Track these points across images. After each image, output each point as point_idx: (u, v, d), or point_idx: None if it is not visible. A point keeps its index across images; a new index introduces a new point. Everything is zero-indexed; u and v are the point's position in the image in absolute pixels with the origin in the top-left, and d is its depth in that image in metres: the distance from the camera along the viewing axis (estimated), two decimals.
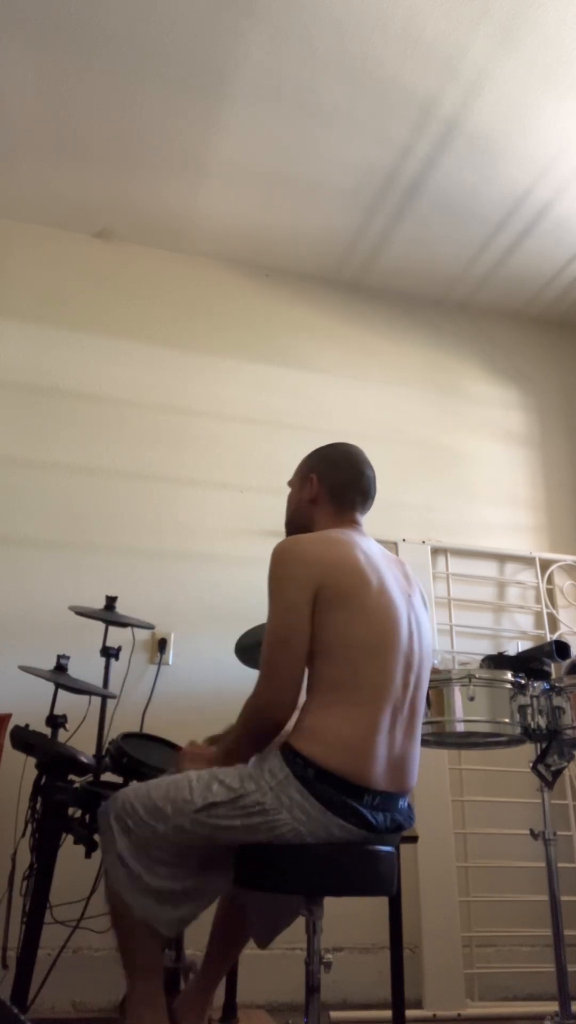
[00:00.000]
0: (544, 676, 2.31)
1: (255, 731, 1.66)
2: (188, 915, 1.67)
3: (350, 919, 2.64)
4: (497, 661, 2.39)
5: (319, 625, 1.64)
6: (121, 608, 2.37)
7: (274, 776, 1.57)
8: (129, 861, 1.61)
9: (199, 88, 2.77)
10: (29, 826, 2.02)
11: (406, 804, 1.69)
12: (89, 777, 2.06)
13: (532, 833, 2.29)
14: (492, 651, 2.71)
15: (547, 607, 3.48)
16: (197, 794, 1.59)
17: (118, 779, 2.05)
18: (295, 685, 1.62)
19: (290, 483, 2.01)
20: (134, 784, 1.72)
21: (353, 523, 1.88)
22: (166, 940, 1.71)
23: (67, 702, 2.26)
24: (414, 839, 2.26)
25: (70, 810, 2.00)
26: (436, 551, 3.45)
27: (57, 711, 2.18)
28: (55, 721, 2.16)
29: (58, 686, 2.20)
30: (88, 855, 1.98)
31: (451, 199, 3.25)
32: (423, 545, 3.39)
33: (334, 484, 1.90)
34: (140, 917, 1.60)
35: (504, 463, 3.74)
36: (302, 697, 1.66)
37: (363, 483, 1.91)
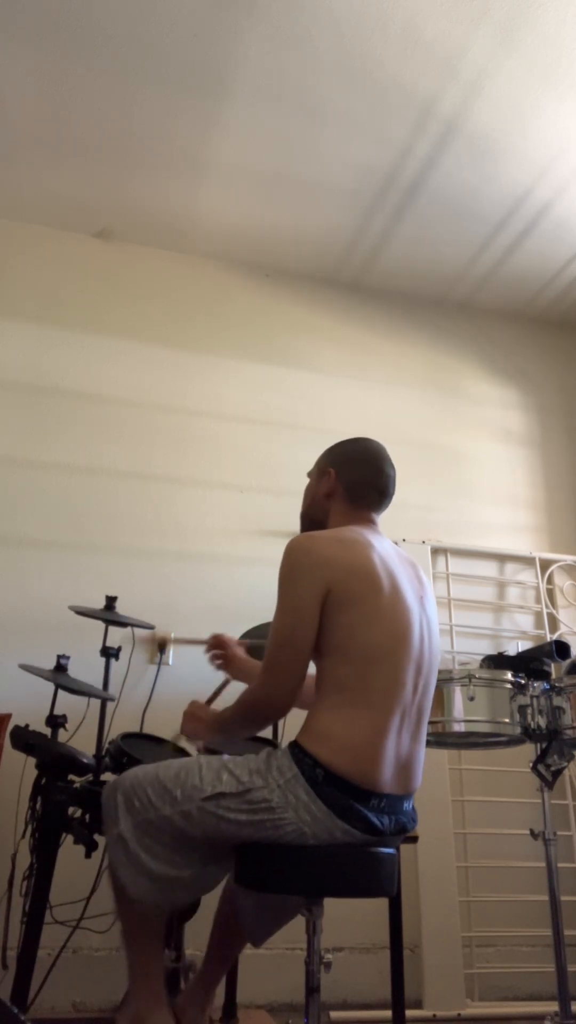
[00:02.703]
0: (544, 676, 2.31)
1: (249, 721, 1.68)
2: (180, 901, 1.69)
3: (350, 919, 2.64)
4: (497, 661, 2.39)
5: (330, 626, 1.63)
6: (121, 608, 2.37)
7: (282, 774, 1.58)
8: (130, 841, 1.61)
9: (199, 88, 2.77)
10: (29, 826, 2.02)
11: (410, 806, 1.69)
12: (89, 777, 2.06)
13: (532, 833, 2.29)
14: (492, 651, 2.71)
15: (547, 607, 3.48)
16: (207, 782, 1.60)
17: None
18: (295, 683, 1.62)
19: (309, 474, 1.99)
20: (143, 765, 1.73)
21: (368, 521, 1.86)
22: (165, 937, 1.72)
23: (67, 702, 2.26)
24: (414, 839, 2.26)
25: (70, 810, 2.00)
26: (436, 551, 3.45)
27: (57, 711, 2.18)
28: (55, 721, 2.16)
29: (58, 686, 2.20)
30: (88, 855, 1.98)
31: (451, 199, 3.25)
32: (423, 545, 3.39)
33: (351, 480, 1.88)
34: (134, 896, 1.61)
35: (504, 463, 3.74)
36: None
37: (381, 481, 1.89)
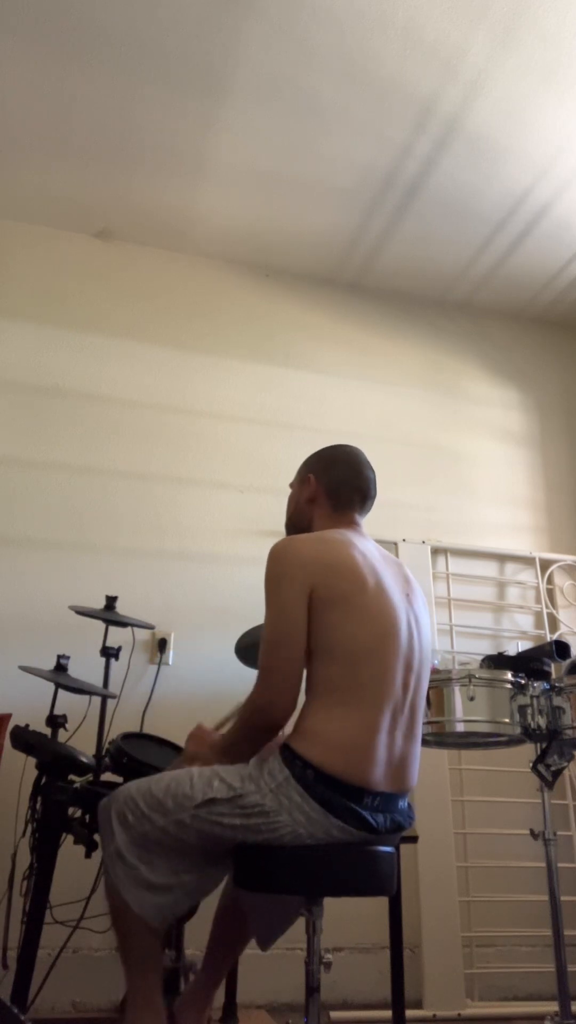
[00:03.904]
0: (544, 676, 2.31)
1: (252, 731, 1.66)
2: (182, 910, 1.67)
3: (350, 919, 2.64)
4: (497, 661, 2.39)
5: (316, 625, 1.63)
6: (121, 608, 2.37)
7: (273, 778, 1.58)
8: (127, 855, 1.61)
9: (199, 88, 2.77)
10: (29, 826, 2.02)
11: (406, 804, 1.69)
12: (89, 777, 2.06)
13: (532, 833, 2.29)
14: (492, 651, 2.71)
15: (547, 607, 3.48)
16: (198, 790, 1.60)
17: (118, 779, 2.05)
18: (292, 686, 1.62)
19: (291, 484, 2.02)
20: (136, 780, 1.73)
21: (352, 523, 1.87)
22: (165, 938, 1.71)
23: (67, 702, 2.26)
24: (414, 839, 2.26)
25: (70, 810, 2.00)
26: (436, 551, 3.45)
27: (57, 711, 2.18)
28: (55, 721, 2.16)
29: (58, 686, 2.20)
30: (88, 855, 1.98)
31: (451, 199, 3.25)
32: (423, 545, 3.39)
33: (331, 484, 1.89)
34: (136, 911, 1.60)
35: (504, 463, 3.74)
36: (301, 697, 1.66)
37: (361, 483, 1.91)
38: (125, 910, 1.61)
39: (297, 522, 1.94)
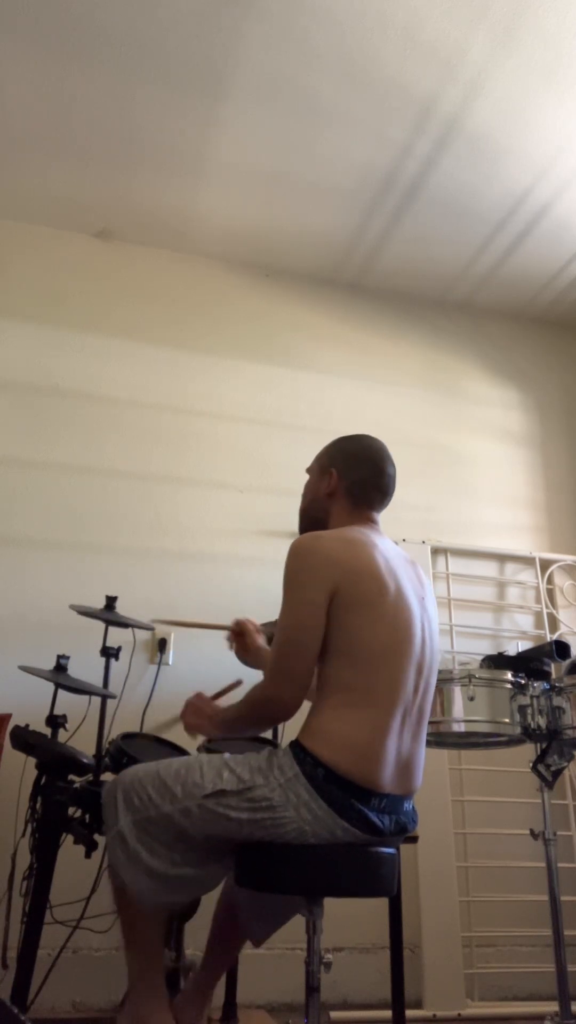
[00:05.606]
0: (544, 676, 2.31)
1: (255, 721, 1.68)
2: (178, 901, 1.68)
3: (350, 919, 2.64)
4: (497, 661, 2.39)
5: (334, 627, 1.63)
6: (121, 608, 2.37)
7: (283, 773, 1.58)
8: (129, 838, 1.61)
9: (199, 88, 2.77)
10: (29, 826, 2.02)
11: (411, 806, 1.69)
12: (89, 777, 2.06)
13: (532, 833, 2.29)
14: (492, 651, 2.71)
15: (547, 607, 3.48)
16: (208, 779, 1.60)
17: None
18: (303, 684, 1.61)
19: (308, 470, 1.98)
20: (144, 764, 1.73)
21: (369, 521, 1.86)
22: (165, 937, 1.72)
23: (67, 702, 2.26)
24: (414, 839, 2.25)
25: (70, 810, 2.00)
26: (436, 551, 3.45)
27: (57, 711, 2.18)
28: (55, 721, 2.16)
29: (58, 686, 2.20)
30: (88, 855, 1.98)
31: (451, 199, 3.25)
32: (423, 545, 3.39)
33: (354, 481, 1.87)
34: (134, 895, 1.61)
35: (504, 463, 3.74)
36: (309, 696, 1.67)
37: (383, 481, 1.89)
38: (128, 893, 1.62)
39: (313, 513, 1.91)
